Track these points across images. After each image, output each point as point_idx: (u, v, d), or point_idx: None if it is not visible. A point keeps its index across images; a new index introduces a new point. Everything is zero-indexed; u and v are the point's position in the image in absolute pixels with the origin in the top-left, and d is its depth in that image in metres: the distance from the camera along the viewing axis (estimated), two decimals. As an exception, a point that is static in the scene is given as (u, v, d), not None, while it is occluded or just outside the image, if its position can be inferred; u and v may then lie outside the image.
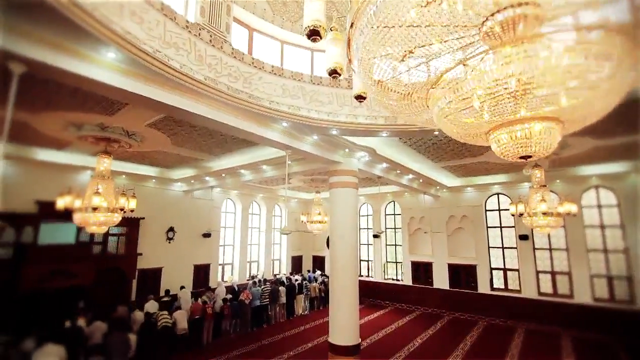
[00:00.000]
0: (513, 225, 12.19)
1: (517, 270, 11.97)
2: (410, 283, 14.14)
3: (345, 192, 7.17)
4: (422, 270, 13.92)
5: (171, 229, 11.85)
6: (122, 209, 6.67)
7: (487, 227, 12.78)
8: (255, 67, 4.97)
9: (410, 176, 10.19)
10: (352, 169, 7.29)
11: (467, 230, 13.06)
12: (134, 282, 10.54)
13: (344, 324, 6.75)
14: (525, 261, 11.77)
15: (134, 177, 10.38)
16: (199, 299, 10.70)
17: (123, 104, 5.45)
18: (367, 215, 16.09)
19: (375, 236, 15.26)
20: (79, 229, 9.24)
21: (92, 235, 9.49)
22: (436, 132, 5.79)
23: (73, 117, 6.00)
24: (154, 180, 11.23)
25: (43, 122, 6.25)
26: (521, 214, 7.84)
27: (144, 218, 10.84)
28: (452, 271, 13.15)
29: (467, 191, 12.97)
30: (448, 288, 13.11)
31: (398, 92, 2.20)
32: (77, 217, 6.50)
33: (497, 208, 12.73)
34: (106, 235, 9.91)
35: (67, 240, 8.94)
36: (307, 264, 17.92)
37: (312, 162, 7.98)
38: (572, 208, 7.54)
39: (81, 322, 7.47)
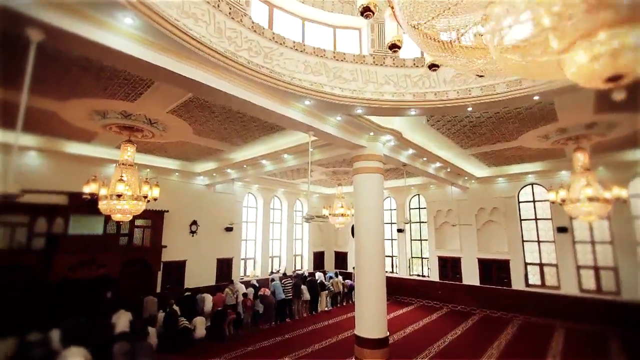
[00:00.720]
0: (550, 217, 11.39)
1: (555, 265, 11.16)
2: (437, 279, 13.55)
3: (370, 178, 6.84)
4: (449, 266, 13.31)
5: (194, 222, 11.92)
6: (145, 197, 6.68)
7: (521, 220, 12.02)
8: (276, 42, 4.76)
9: (437, 164, 9.70)
10: (378, 154, 6.96)
11: (499, 223, 12.35)
12: (159, 274, 10.64)
13: (372, 315, 6.43)
14: (564, 255, 10.95)
15: (158, 171, 10.49)
16: (225, 289, 10.74)
17: (144, 88, 5.40)
18: (391, 210, 15.60)
19: (399, 230, 14.85)
20: (107, 221, 9.41)
21: (118, 227, 9.64)
22: (469, 108, 5.37)
23: (97, 104, 6.02)
24: (177, 174, 11.33)
25: (70, 110, 6.33)
26: (563, 201, 7.23)
27: (168, 211, 10.94)
28: (483, 266, 12.47)
29: (498, 182, 12.26)
30: (478, 284, 12.44)
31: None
32: (103, 205, 6.56)
33: (532, 199, 11.94)
34: (132, 227, 10.06)
35: (95, 231, 9.10)
36: (329, 260, 17.66)
37: (335, 149, 7.71)
38: (622, 193, 6.86)
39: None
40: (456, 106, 5.28)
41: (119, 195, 6.22)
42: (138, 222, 10.27)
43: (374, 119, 6.28)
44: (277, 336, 9.48)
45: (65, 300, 8.58)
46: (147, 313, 8.74)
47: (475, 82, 5.15)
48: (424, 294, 13.77)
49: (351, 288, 13.69)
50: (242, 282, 13.09)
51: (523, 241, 11.87)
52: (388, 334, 6.58)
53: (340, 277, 13.87)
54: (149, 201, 7.04)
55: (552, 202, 7.73)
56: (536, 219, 11.81)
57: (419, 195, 14.85)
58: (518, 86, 4.84)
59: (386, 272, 14.59)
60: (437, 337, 9.23)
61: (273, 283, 11.28)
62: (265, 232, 14.66)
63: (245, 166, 10.01)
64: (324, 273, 14.49)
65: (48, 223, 8.48)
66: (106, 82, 5.22)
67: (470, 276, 12.66)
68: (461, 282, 12.89)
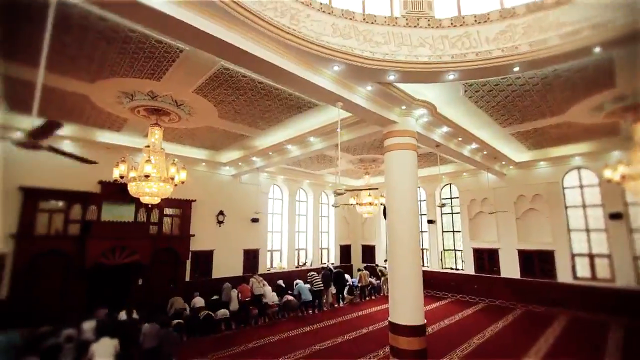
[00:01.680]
0: (601, 203, 10.38)
1: (608, 255, 10.14)
2: (472, 272, 12.79)
3: (402, 155, 6.40)
4: (486, 258, 12.51)
5: (221, 213, 11.93)
6: (172, 179, 6.63)
7: (566, 207, 11.06)
8: (303, 3, 4.48)
9: (473, 146, 9.05)
10: (410, 129, 6.51)
11: (541, 212, 11.44)
12: (188, 263, 10.71)
13: (407, 300, 5.99)
14: (618, 245, 9.92)
15: (186, 161, 10.46)
16: (250, 279, 10.62)
17: (169, 63, 5.31)
18: (420, 201, 14.95)
19: (430, 222, 14.19)
20: (137, 209, 9.57)
21: (148, 215, 9.79)
22: (516, 68, 4.84)
23: (124, 84, 6.02)
24: (203, 164, 11.38)
25: (99, 93, 6.39)
26: (623, 178, 6.44)
27: (195, 200, 11.01)
28: (523, 258, 11.60)
29: (540, 166, 11.35)
30: (519, 277, 11.58)
31: None
32: (132, 188, 6.59)
33: (579, 184, 10.96)
34: (161, 215, 10.19)
35: (126, 219, 9.26)
36: (356, 254, 17.24)
37: (364, 127, 7.34)
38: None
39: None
40: (501, 66, 4.77)
41: (146, 176, 6.22)
42: (167, 211, 10.40)
43: (406, 89, 5.86)
44: (305, 326, 9.23)
45: (99, 285, 8.79)
46: (173, 310, 8.72)
47: (522, 37, 4.63)
48: (457, 288, 13.04)
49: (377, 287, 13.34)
50: (269, 274, 13.02)
51: (569, 230, 10.91)
52: (425, 321, 6.12)
53: (366, 271, 13.50)
54: (176, 185, 7.02)
55: (609, 181, 6.92)
56: (584, 206, 10.81)
57: (450, 184, 14.11)
58: (574, 37, 4.27)
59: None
60: (475, 332, 8.61)
61: (297, 286, 11.02)
62: (291, 224, 14.50)
63: (270, 153, 9.85)
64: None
65: (82, 210, 8.72)
66: (131, 58, 5.17)
67: (510, 268, 11.82)
68: (499, 275, 12.07)
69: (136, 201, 9.44)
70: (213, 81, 5.93)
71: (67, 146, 8.86)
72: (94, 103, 7.00)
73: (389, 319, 6.25)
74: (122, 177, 6.35)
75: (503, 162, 11.15)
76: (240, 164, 11.26)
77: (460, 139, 8.39)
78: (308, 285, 10.98)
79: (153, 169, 6.40)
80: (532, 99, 6.71)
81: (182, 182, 6.99)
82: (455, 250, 13.86)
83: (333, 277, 11.91)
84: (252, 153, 10.14)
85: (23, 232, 7.81)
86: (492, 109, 7.28)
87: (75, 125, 8.36)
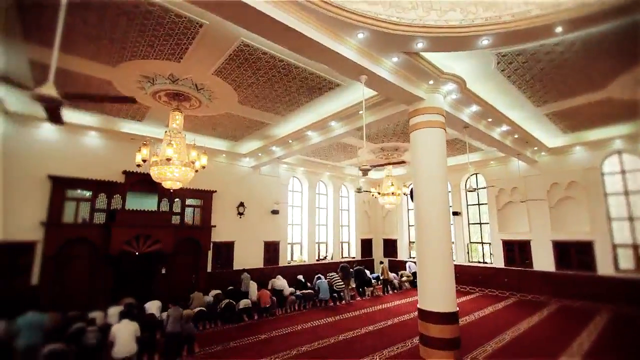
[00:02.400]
0: (646, 188, 9.59)
1: (655, 245, 9.35)
2: (502, 265, 12.16)
3: (430, 133, 6.06)
4: (516, 250, 11.87)
5: (241, 204, 11.91)
6: (193, 163, 6.58)
7: (606, 194, 10.29)
8: (325, -33, 4.25)
9: (504, 128, 8.54)
10: (438, 106, 6.16)
11: (577, 200, 10.70)
12: (210, 254, 10.72)
13: (438, 286, 5.65)
14: (667, 234, 9.13)
15: (207, 152, 10.51)
16: (270, 281, 10.41)
17: (189, 41, 5.23)
18: (444, 192, 14.38)
19: (455, 214, 13.64)
20: (160, 199, 9.65)
21: (171, 205, 9.85)
22: (558, 28, 4.42)
23: (145, 67, 6.01)
24: (224, 155, 11.39)
25: (121, 77, 6.42)
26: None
27: (216, 191, 11.02)
28: (558, 249, 10.90)
29: (575, 151, 10.63)
30: (553, 270, 10.89)
31: None
32: (154, 172, 6.58)
33: (620, 170, 10.17)
34: (183, 205, 10.24)
35: (149, 209, 9.34)
36: (377, 248, 16.87)
37: (388, 107, 7.04)
38: None
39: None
40: (541, 26, 4.36)
41: (168, 159, 6.19)
42: (189, 202, 10.45)
43: (434, 61, 5.53)
44: (327, 317, 9.01)
45: (124, 274, 8.90)
46: (195, 306, 8.67)
47: (566, -7, 4.21)
48: (486, 282, 12.44)
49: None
50: (289, 266, 12.91)
51: (610, 219, 10.14)
52: (457, 308, 5.76)
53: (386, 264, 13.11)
54: (196, 171, 6.97)
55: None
56: (626, 193, 10.03)
57: (476, 174, 13.51)
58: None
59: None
60: (508, 325, 8.10)
61: (318, 282, 10.75)
62: (311, 217, 14.32)
63: (290, 141, 9.69)
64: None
65: (107, 199, 8.86)
66: (151, 36, 5.12)
67: (543, 261, 11.14)
68: (531, 267, 11.41)
69: (159, 191, 9.56)
70: (233, 61, 5.82)
71: (92, 137, 9.08)
72: (117, 90, 7.07)
73: (418, 305, 5.93)
74: (144, 160, 6.34)
75: (535, 148, 10.52)
76: (260, 154, 11.18)
77: (490, 119, 7.92)
78: (324, 283, 10.80)
79: (174, 153, 6.38)
80: (571, 70, 6.20)
81: (203, 167, 6.93)
82: (482, 243, 13.25)
83: (353, 273, 11.62)
84: (272, 142, 10.02)
85: (52, 220, 8.00)
86: (526, 85, 6.80)
87: (101, 115, 8.52)
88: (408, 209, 16.14)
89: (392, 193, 11.35)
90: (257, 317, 8.88)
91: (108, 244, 8.38)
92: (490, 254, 12.71)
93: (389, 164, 4.54)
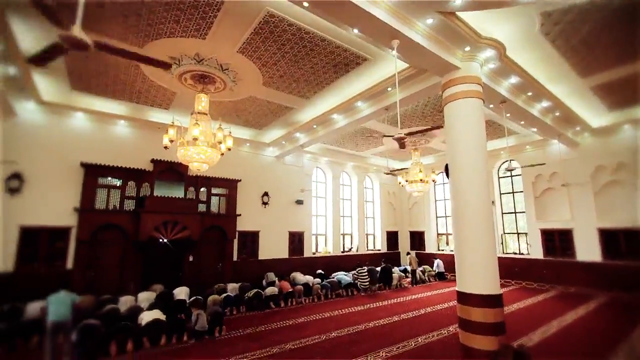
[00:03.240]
0: None
1: None
2: (540, 256, 11.41)
3: (467, 104, 5.65)
4: (557, 240, 11.09)
5: (265, 194, 11.83)
6: (219, 143, 6.49)
7: (661, 177, 9.39)
8: None
9: (545, 104, 7.94)
10: (475, 75, 5.74)
11: (627, 184, 9.83)
12: (235, 243, 10.70)
13: (480, 266, 5.24)
14: None
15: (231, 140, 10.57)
16: (292, 274, 10.59)
17: (214, 14, 5.12)
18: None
19: (487, 203, 12.93)
20: (187, 187, 9.70)
21: (197, 193, 9.90)
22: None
23: (172, 46, 5.97)
24: (248, 145, 11.35)
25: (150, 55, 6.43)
26: None
27: (240, 180, 10.99)
28: (605, 238, 10.06)
29: (624, 130, 9.75)
30: (600, 260, 10.07)
31: None
32: (181, 154, 6.56)
33: (677, 149, 9.26)
34: (209, 194, 10.27)
35: (176, 195, 9.41)
36: (403, 241, 16.37)
37: (419, 82, 6.67)
38: None
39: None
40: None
41: (195, 139, 6.15)
42: (214, 191, 10.48)
43: (473, 22, 5.13)
44: (355, 306, 8.72)
45: (153, 261, 9.02)
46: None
47: None
48: (522, 274, 11.72)
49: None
50: (314, 257, 12.74)
51: (665, 204, 9.25)
52: (501, 291, 5.32)
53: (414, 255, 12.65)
54: (222, 154, 6.90)
55: None
56: (685, 175, 9.10)
57: (510, 161, 12.76)
58: None
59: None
60: (552, 317, 7.49)
61: (336, 277, 10.71)
62: (335, 208, 14.07)
63: (315, 126, 9.49)
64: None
65: (137, 186, 8.99)
66: (177, 10, 5.05)
67: (588, 250, 10.33)
68: (574, 258, 10.61)
69: (185, 180, 9.63)
70: (258, 35, 5.66)
71: (122, 126, 9.26)
72: (145, 75, 7.12)
73: (456, 288, 5.54)
74: (171, 141, 6.32)
75: (577, 128, 9.76)
76: (283, 142, 11.05)
77: (530, 93, 7.36)
78: (344, 276, 10.74)
79: (200, 135, 6.33)
80: (625, 31, 5.59)
81: (229, 149, 6.84)
82: (517, 233, 12.51)
83: (380, 272, 11.24)
84: (296, 128, 9.86)
85: (85, 206, 8.20)
86: (572, 51, 6.22)
87: (129, 104, 8.65)
88: (436, 200, 15.56)
89: (421, 180, 10.90)
90: (283, 304, 8.74)
91: (137, 231, 8.50)
92: (527, 244, 11.96)
93: (427, 130, 4.21)
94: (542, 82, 7.06)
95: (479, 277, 5.23)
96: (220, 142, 6.49)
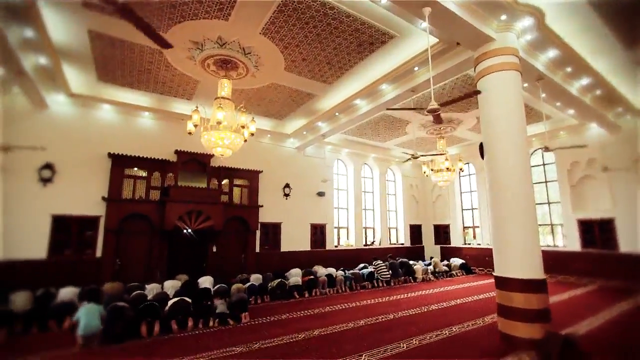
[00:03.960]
0: None
1: None
2: (577, 248, 10.73)
3: (503, 77, 5.29)
4: (596, 230, 10.38)
5: (287, 185, 11.74)
6: (243, 127, 6.42)
7: None
8: None
9: (585, 81, 7.40)
10: (511, 46, 5.36)
11: (676, 168, 9.08)
12: (257, 234, 10.66)
13: (521, 248, 4.87)
14: None
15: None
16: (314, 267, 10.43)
17: (237, -8, 5.02)
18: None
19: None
20: (209, 178, 9.73)
21: (219, 184, 9.91)
22: None
23: (194, 30, 5.93)
24: (269, 136, 11.30)
25: (172, 42, 6.41)
26: None
27: (262, 171, 10.95)
28: (652, 228, 9.32)
29: (673, 110, 9.02)
30: (646, 251, 9.33)
31: None
32: (205, 139, 6.53)
33: None
34: (231, 185, 10.28)
35: (199, 186, 9.46)
36: (427, 235, 15.89)
37: (449, 59, 6.34)
38: None
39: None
40: None
41: (218, 123, 6.09)
42: (236, 182, 10.48)
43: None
44: (381, 297, 8.46)
45: (177, 251, 9.09)
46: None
47: None
48: (557, 267, 11.03)
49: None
50: (336, 250, 12.55)
51: None
52: (545, 276, 4.94)
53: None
54: (245, 140, 6.85)
55: None
56: None
57: (541, 149, 12.08)
58: None
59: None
60: (597, 309, 6.96)
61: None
62: (357, 201, 13.80)
63: (337, 114, 9.29)
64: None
65: (161, 177, 9.09)
66: (201, -12, 4.98)
67: (631, 241, 9.59)
68: (616, 249, 9.89)
69: (208, 171, 9.68)
70: (281, 13, 5.52)
71: (146, 118, 9.39)
72: (168, 62, 7.14)
73: (494, 273, 5.19)
74: (195, 126, 6.30)
75: (619, 109, 9.09)
76: (304, 132, 10.90)
77: (569, 69, 6.86)
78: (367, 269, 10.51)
79: (224, 120, 6.27)
80: (685, -9, 5.07)
81: (252, 134, 6.76)
82: (551, 224, 11.84)
83: (398, 266, 10.93)
84: (318, 117, 9.70)
85: (113, 196, 8.35)
86: (617, 18, 5.72)
87: (153, 95, 8.73)
88: (461, 192, 15.00)
89: (447, 169, 10.49)
90: (307, 294, 8.60)
91: (163, 221, 8.57)
92: (563, 235, 11.29)
93: (463, 98, 3.91)
94: (582, 56, 6.56)
95: (521, 260, 4.86)
96: (243, 127, 6.41)
